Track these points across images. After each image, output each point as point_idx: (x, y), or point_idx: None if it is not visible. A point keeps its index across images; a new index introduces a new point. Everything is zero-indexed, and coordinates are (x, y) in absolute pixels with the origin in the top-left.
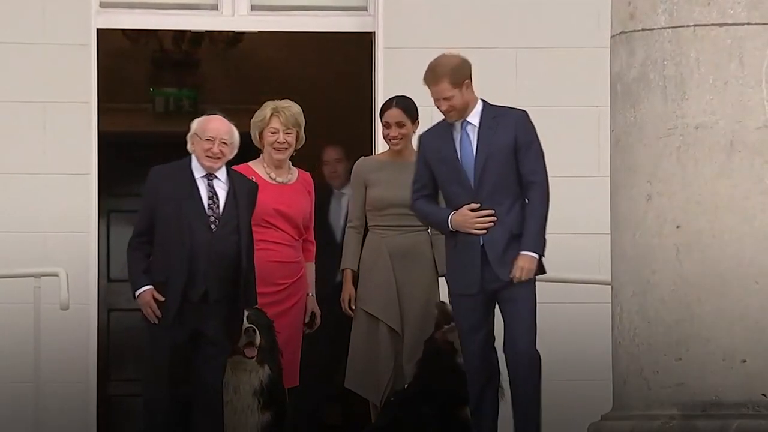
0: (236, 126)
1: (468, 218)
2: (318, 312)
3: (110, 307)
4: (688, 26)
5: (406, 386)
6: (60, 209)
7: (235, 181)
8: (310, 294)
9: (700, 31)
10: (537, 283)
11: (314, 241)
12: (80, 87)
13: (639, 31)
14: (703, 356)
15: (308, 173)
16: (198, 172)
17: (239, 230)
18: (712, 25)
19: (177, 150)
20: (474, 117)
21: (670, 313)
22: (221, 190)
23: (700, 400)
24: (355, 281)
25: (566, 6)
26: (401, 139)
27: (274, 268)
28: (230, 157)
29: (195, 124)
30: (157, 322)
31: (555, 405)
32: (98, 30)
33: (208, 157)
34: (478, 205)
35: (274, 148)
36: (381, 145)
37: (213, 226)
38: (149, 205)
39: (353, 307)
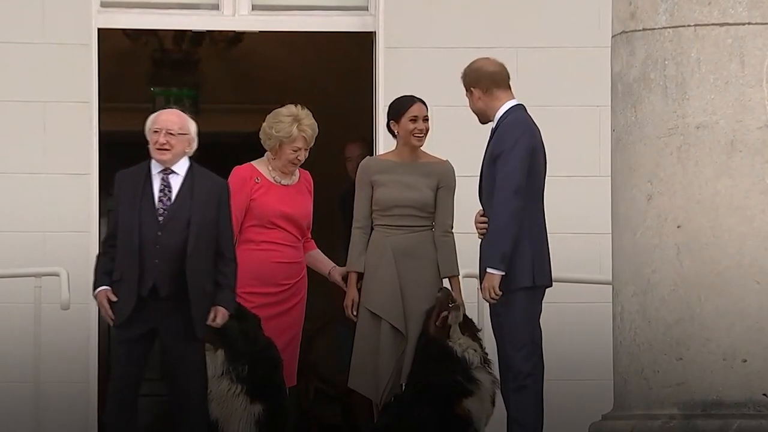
0: (236, 125)
1: (474, 222)
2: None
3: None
4: (688, 26)
5: (403, 386)
6: (60, 209)
7: (196, 177)
8: (333, 266)
9: (700, 31)
10: None
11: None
12: (80, 87)
13: (640, 30)
14: (703, 356)
15: (308, 171)
16: (155, 168)
17: (189, 226)
18: (713, 24)
19: None
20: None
21: (670, 313)
22: (176, 183)
23: (701, 399)
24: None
25: (566, 6)
26: (425, 133)
27: (277, 269)
28: (184, 150)
29: (148, 120)
30: (112, 323)
31: (555, 405)
32: (99, 30)
33: (157, 149)
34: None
35: (292, 163)
36: (382, 146)
37: (161, 218)
38: (114, 208)
39: (356, 313)
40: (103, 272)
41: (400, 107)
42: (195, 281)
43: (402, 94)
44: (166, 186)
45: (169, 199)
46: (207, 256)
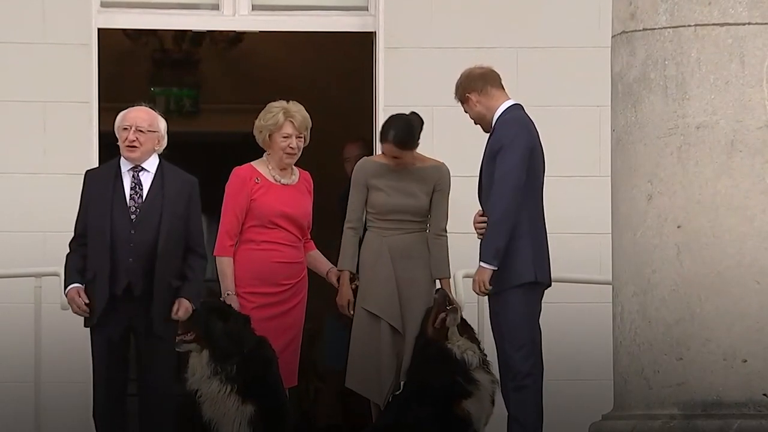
0: (236, 125)
1: (473, 222)
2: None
3: None
4: (689, 26)
5: (402, 385)
6: (60, 209)
7: (166, 174)
8: (331, 267)
9: (701, 31)
10: None
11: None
12: (80, 87)
13: (640, 30)
14: (703, 356)
15: (307, 172)
16: (125, 166)
17: (161, 223)
18: (713, 24)
19: (177, 150)
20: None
21: (670, 313)
22: (147, 181)
23: (701, 399)
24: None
25: (567, 6)
26: (399, 164)
27: (278, 269)
28: (154, 147)
29: (117, 117)
30: (88, 315)
31: (555, 405)
32: (99, 30)
33: (126, 146)
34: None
35: (286, 153)
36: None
37: (133, 216)
38: (83, 207)
39: (352, 312)
40: (75, 270)
41: (382, 136)
42: (162, 279)
43: (402, 95)
44: (137, 184)
45: (141, 197)
46: (177, 253)
